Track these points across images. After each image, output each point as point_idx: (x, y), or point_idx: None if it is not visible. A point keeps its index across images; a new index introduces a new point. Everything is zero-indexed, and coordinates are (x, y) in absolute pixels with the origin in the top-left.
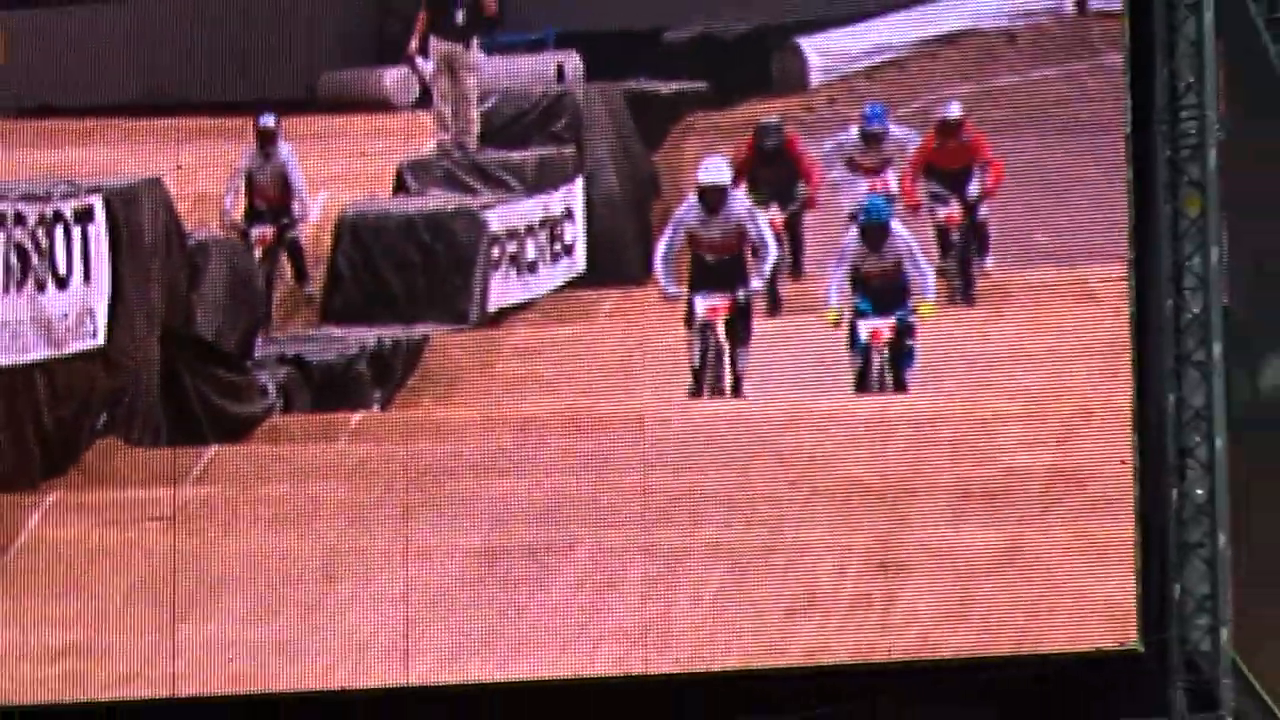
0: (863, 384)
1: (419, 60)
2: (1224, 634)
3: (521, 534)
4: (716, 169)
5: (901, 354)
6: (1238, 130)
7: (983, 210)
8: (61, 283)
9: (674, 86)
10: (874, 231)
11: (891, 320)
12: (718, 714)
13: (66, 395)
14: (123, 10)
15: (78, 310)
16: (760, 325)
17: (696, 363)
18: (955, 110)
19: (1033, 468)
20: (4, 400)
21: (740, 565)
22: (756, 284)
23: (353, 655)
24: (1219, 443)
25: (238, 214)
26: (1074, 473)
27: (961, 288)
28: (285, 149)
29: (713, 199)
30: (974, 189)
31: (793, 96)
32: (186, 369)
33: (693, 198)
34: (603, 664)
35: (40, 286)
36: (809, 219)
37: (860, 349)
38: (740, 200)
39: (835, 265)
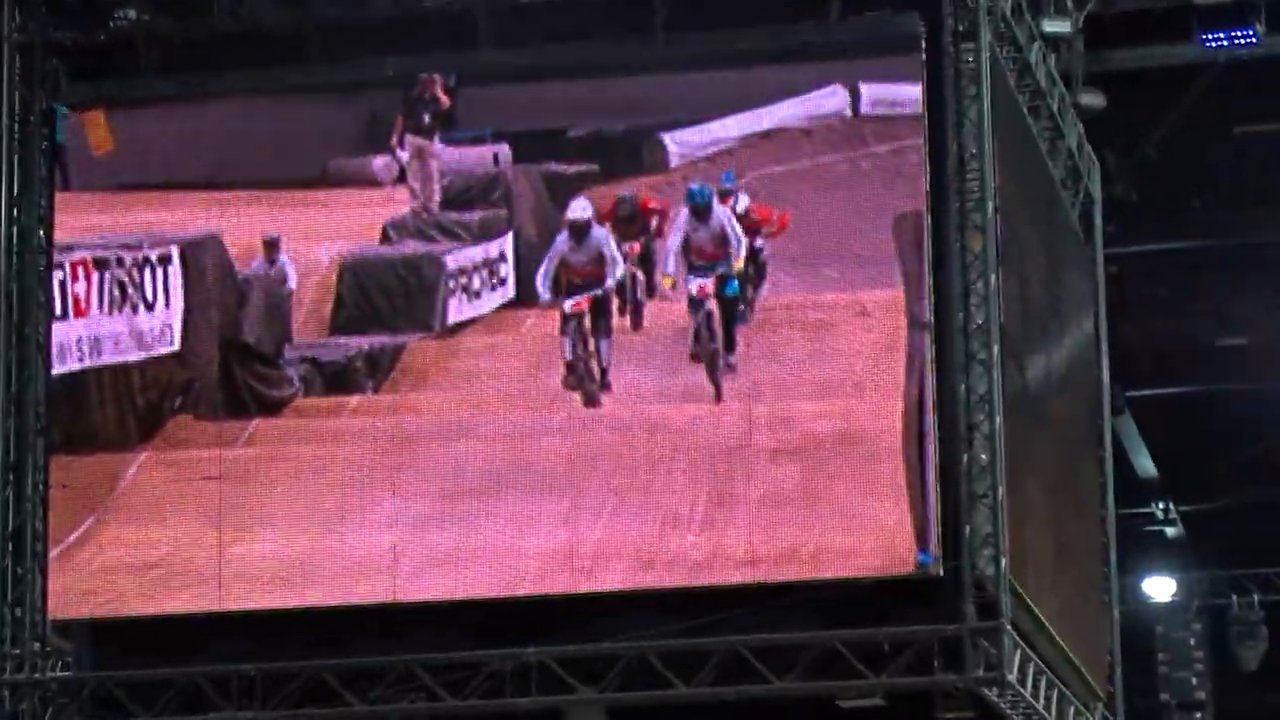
0: (698, 339)
1: (399, 151)
2: (1003, 562)
3: (472, 480)
4: (581, 208)
5: (731, 313)
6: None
7: (765, 251)
8: (149, 306)
9: (575, 168)
10: (699, 209)
11: (714, 276)
12: (604, 625)
13: (153, 384)
14: (193, 114)
15: (160, 325)
16: (627, 338)
17: (569, 356)
18: (744, 204)
19: (823, 433)
20: (110, 388)
21: (626, 500)
22: (610, 283)
23: (352, 571)
24: (997, 420)
25: None
26: (854, 435)
27: (743, 311)
28: (284, 258)
29: (579, 231)
30: (762, 236)
31: (657, 175)
32: (237, 365)
33: (565, 232)
34: (530, 581)
35: (134, 309)
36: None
37: (693, 303)
38: (600, 231)
39: (671, 236)
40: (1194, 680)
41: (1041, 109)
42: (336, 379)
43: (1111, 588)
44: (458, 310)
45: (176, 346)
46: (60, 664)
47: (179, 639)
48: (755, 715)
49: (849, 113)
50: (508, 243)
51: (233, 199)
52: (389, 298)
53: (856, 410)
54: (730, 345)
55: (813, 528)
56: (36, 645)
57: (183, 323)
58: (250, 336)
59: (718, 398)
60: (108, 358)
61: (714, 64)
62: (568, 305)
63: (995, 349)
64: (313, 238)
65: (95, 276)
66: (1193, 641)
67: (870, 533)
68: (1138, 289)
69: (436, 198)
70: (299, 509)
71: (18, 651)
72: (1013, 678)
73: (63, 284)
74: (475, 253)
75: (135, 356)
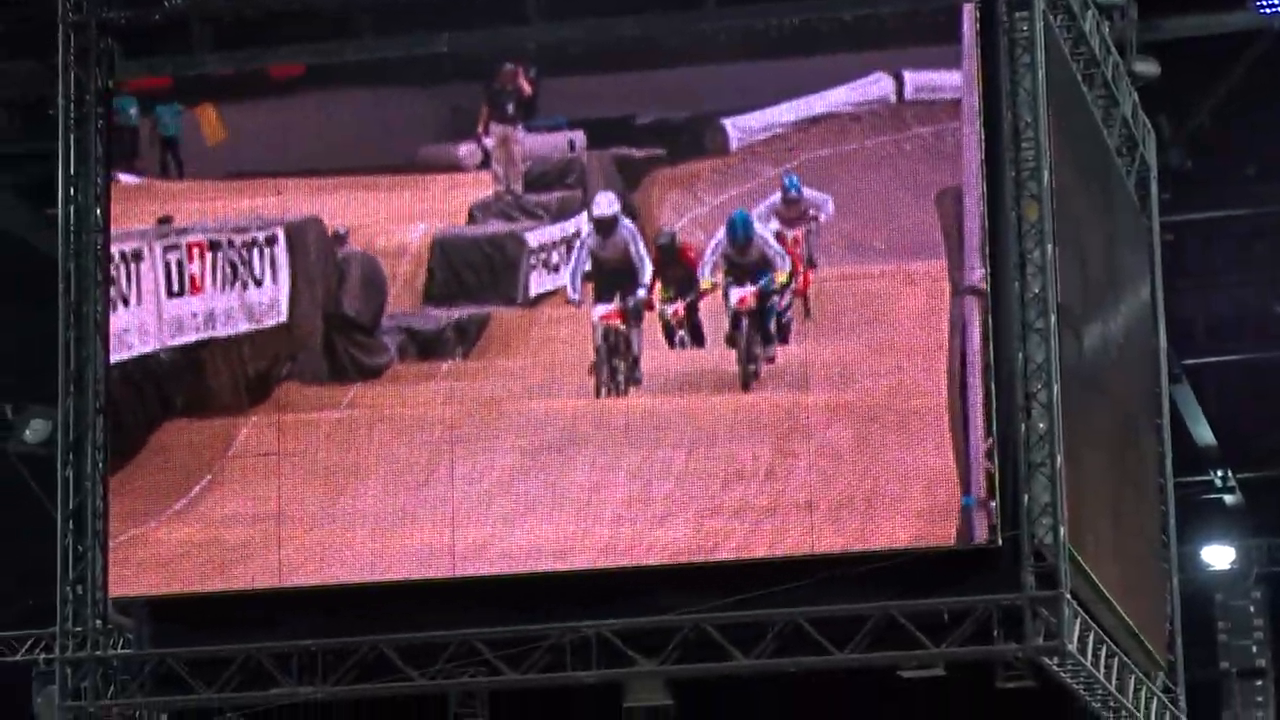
0: (732, 340)
1: (484, 138)
2: (1062, 531)
3: (552, 437)
4: (607, 203)
5: (766, 315)
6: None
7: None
8: (258, 283)
9: (643, 152)
10: (739, 243)
11: (755, 289)
12: (663, 597)
13: (263, 354)
14: (295, 107)
15: (269, 300)
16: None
17: (598, 362)
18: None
19: (874, 390)
20: (224, 358)
21: (695, 453)
22: (641, 293)
23: (451, 520)
24: (1055, 388)
25: None
26: (901, 391)
27: (773, 306)
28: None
29: (605, 226)
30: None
31: (718, 157)
32: (338, 335)
33: (591, 227)
34: (607, 525)
35: (245, 285)
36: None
37: (730, 311)
38: (627, 225)
39: (709, 253)
40: (1254, 648)
41: (1096, 78)
42: (429, 347)
43: (1171, 556)
44: (538, 283)
45: (284, 319)
46: (122, 641)
47: (240, 615)
48: (815, 686)
49: (894, 98)
50: (583, 221)
51: (331, 184)
52: (476, 272)
53: (905, 369)
54: (767, 339)
55: (866, 476)
56: (98, 623)
57: (289, 297)
58: (350, 309)
59: (746, 387)
60: (221, 330)
61: (770, 55)
62: (597, 316)
63: (1052, 318)
64: (405, 219)
65: (209, 257)
66: (1252, 609)
67: (919, 480)
68: (1193, 257)
69: (519, 181)
70: (397, 466)
71: (79, 629)
72: (1072, 647)
73: (180, 264)
74: (554, 231)
75: (246, 329)
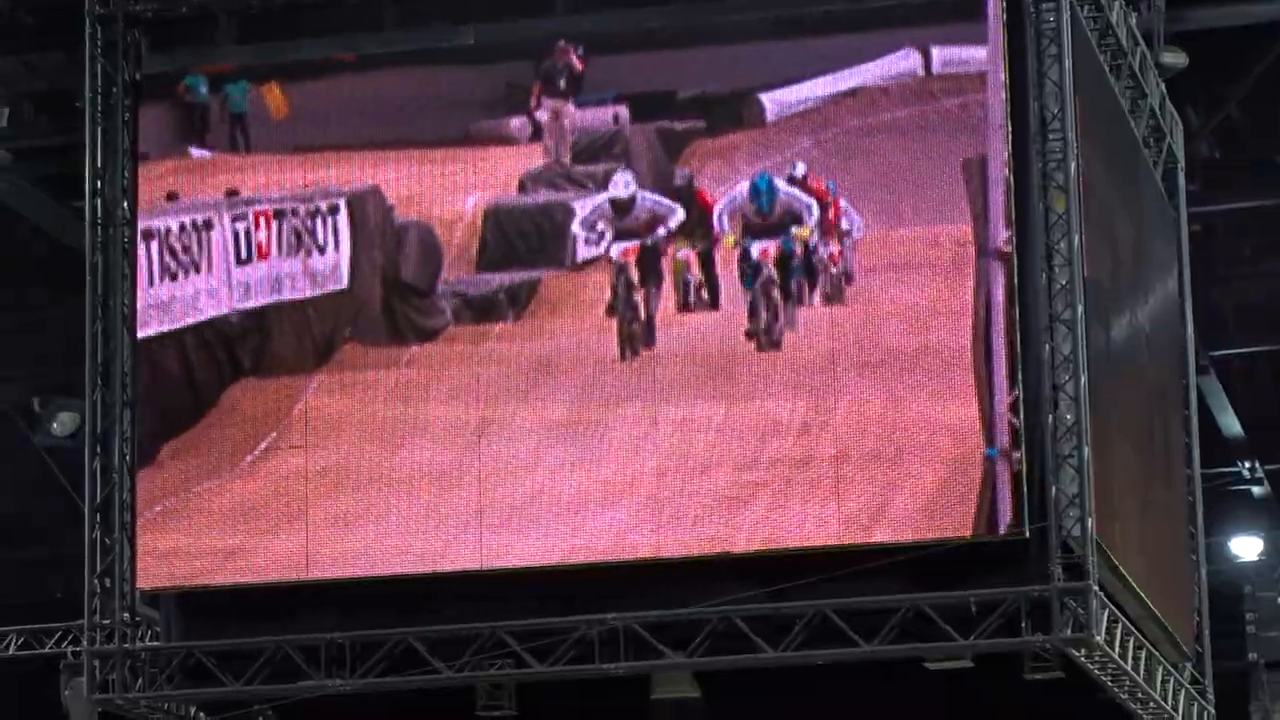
0: (753, 298)
1: (535, 112)
2: (1090, 523)
3: (600, 393)
4: (624, 184)
5: (789, 270)
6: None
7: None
8: (321, 250)
9: (684, 125)
10: (763, 211)
11: (777, 242)
12: (691, 589)
13: (326, 317)
14: (355, 84)
15: (331, 266)
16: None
17: (612, 303)
18: (800, 169)
19: (904, 347)
20: (289, 320)
21: (734, 408)
22: (661, 232)
23: (496, 475)
24: (1083, 380)
25: None
26: (930, 349)
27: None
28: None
29: (622, 207)
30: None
31: (754, 129)
32: (397, 299)
33: (608, 204)
34: (649, 480)
35: (309, 253)
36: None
37: (751, 265)
38: (647, 198)
39: (725, 201)
40: None
41: (1123, 69)
42: (483, 309)
43: (1199, 547)
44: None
45: (345, 284)
46: (149, 633)
47: (268, 607)
48: (843, 678)
49: (921, 72)
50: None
51: (390, 157)
52: (526, 239)
53: (931, 327)
54: (787, 298)
55: (895, 429)
56: (125, 615)
57: (350, 264)
58: (408, 274)
59: (770, 346)
60: (286, 295)
61: (803, 34)
62: (615, 252)
63: (1079, 309)
64: (459, 189)
65: (274, 225)
66: None
67: (945, 432)
68: (1221, 248)
69: (568, 153)
70: (450, 424)
71: (107, 621)
72: (1100, 638)
73: (247, 232)
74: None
75: (310, 293)
